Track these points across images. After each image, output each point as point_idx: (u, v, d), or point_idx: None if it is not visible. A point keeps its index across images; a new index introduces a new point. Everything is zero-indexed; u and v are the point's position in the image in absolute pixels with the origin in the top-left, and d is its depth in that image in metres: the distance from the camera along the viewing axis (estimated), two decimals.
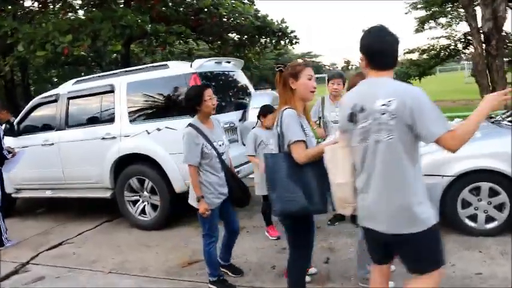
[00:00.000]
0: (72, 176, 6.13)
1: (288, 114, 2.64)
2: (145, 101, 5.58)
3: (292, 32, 12.40)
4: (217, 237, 3.83)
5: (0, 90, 15.34)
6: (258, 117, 4.63)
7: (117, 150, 5.58)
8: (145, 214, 5.64)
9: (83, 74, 18.13)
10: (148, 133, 5.36)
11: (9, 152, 5.79)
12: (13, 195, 6.73)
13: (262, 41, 13.05)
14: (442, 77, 41.90)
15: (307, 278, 3.58)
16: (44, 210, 7.35)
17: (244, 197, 3.87)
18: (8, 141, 6.40)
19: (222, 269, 3.98)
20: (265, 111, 4.54)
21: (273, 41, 12.29)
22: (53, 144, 6.18)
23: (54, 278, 4.56)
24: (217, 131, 3.76)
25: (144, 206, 5.65)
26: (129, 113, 5.56)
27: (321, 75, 51.60)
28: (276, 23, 12.05)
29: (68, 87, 6.38)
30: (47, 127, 6.44)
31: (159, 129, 5.29)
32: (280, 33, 12.20)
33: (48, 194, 6.46)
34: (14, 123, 6.64)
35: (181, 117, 5.20)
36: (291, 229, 2.89)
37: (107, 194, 5.86)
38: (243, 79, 6.38)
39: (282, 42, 12.62)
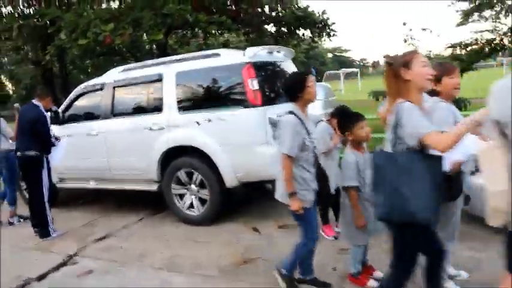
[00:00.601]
0: (118, 166, 5.98)
1: (407, 108, 2.34)
2: (195, 90, 5.37)
3: (333, 23, 12.02)
4: (316, 241, 3.48)
5: (38, 80, 15.44)
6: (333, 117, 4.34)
7: (166, 141, 5.39)
8: (193, 208, 5.44)
9: (115, 64, 18.12)
10: (199, 124, 5.14)
11: (56, 139, 5.68)
12: (57, 185, 6.61)
13: (300, 33, 12.68)
14: (480, 73, 40.64)
15: None
16: (86, 201, 7.24)
17: (330, 195, 3.68)
18: (56, 129, 6.31)
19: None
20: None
21: (315, 32, 11.90)
22: (98, 133, 6.04)
23: (104, 272, 4.40)
24: (310, 122, 3.44)
25: (192, 200, 5.44)
26: (178, 103, 5.35)
27: (352, 69, 51.25)
28: (317, 14, 11.69)
29: (114, 75, 6.21)
30: (91, 116, 6.30)
31: (209, 120, 5.06)
32: (321, 25, 11.83)
33: (92, 184, 6.34)
34: (59, 111, 6.52)
35: (233, 108, 4.99)
36: (404, 239, 2.57)
37: (153, 187, 5.69)
38: (293, 69, 6.10)
39: (324, 35, 12.20)
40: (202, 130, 5.12)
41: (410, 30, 13.48)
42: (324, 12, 11.81)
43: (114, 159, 5.98)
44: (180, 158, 5.38)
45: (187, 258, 4.50)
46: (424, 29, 13.65)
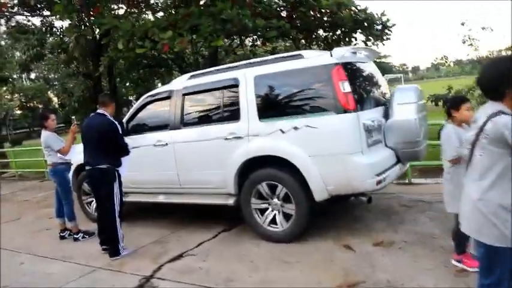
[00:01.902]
0: (189, 180, 5.58)
1: None
2: (277, 96, 4.91)
3: (393, 25, 11.36)
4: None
5: (90, 93, 15.45)
6: (449, 111, 3.76)
7: (245, 151, 4.95)
8: (276, 224, 4.95)
9: (159, 77, 18.02)
10: (283, 132, 4.67)
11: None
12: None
13: (356, 36, 12.06)
14: None
15: None
16: (153, 215, 6.87)
17: None
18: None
19: None
20: (458, 102, 3.69)
21: (373, 35, 11.27)
22: (166, 144, 5.67)
23: None
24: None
25: (275, 215, 4.96)
26: (258, 109, 4.91)
27: (392, 75, 50.09)
28: (377, 16, 11.07)
29: (182, 82, 5.84)
30: (159, 126, 5.95)
31: (296, 128, 4.59)
32: (381, 28, 11.20)
33: (161, 199, 5.96)
34: (123, 121, 6.21)
35: (322, 113, 4.50)
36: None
37: (230, 201, 5.24)
38: (376, 71, 5.58)
39: (385, 38, 11.55)
40: (288, 139, 4.65)
41: (470, 30, 12.65)
42: (383, 14, 11.20)
43: (185, 172, 5.58)
44: (261, 170, 4.93)
45: (282, 282, 4.01)
46: (483, 28, 12.91)
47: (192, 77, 5.84)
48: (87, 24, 10.19)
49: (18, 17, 15.13)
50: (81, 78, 15.72)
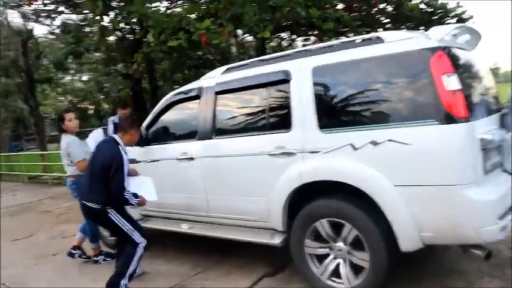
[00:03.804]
0: (221, 207, 4.21)
1: None
2: (346, 96, 3.41)
3: (470, 18, 9.66)
4: None
5: (128, 94, 14.48)
6: None
7: (298, 174, 3.50)
8: (340, 278, 3.47)
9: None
10: (355, 148, 3.19)
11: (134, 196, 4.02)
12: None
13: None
14: None
15: None
16: (179, 244, 5.51)
17: None
18: (133, 153, 4.71)
19: None
20: None
21: None
22: (192, 158, 4.31)
23: None
24: None
25: (338, 266, 3.48)
26: (319, 114, 3.45)
27: None
28: (450, 7, 9.42)
29: (215, 77, 4.47)
30: (184, 135, 4.63)
31: (375, 143, 3.10)
32: (455, 22, 9.56)
33: (184, 228, 4.60)
34: (141, 128, 4.92)
35: (416, 123, 2.99)
36: None
37: (275, 240, 3.80)
38: (481, 65, 3.97)
39: None
40: (362, 158, 3.17)
41: None
42: (458, 5, 9.50)
43: (215, 197, 4.21)
44: (320, 200, 3.47)
45: None
46: None
47: (228, 70, 4.46)
48: (118, 14, 9.00)
49: (63, 16, 14.43)
50: (119, 78, 14.72)
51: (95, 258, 5.11)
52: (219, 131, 4.20)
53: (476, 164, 2.89)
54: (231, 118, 4.21)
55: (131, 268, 3.99)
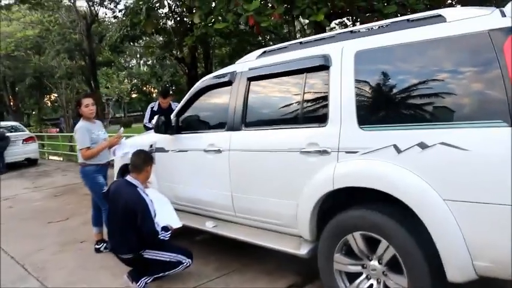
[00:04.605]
0: (247, 207, 3.77)
1: None
2: (393, 87, 2.84)
3: None
4: None
5: (181, 79, 14.33)
6: None
7: (330, 176, 2.98)
8: None
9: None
10: (399, 151, 2.63)
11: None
12: None
13: None
14: None
15: None
16: (202, 240, 5.15)
17: None
18: (161, 141, 4.39)
19: None
20: None
21: None
22: (220, 151, 3.89)
23: None
24: None
25: (371, 287, 2.94)
26: (360, 108, 2.91)
27: None
28: None
29: (249, 61, 4.01)
30: (214, 125, 4.22)
31: (424, 146, 2.52)
32: None
33: (208, 226, 4.21)
34: (172, 116, 4.57)
35: (477, 124, 2.38)
36: None
37: (302, 250, 3.31)
38: None
39: None
40: (407, 163, 2.60)
41: None
42: None
43: (242, 195, 3.78)
44: (354, 210, 2.93)
45: None
46: None
47: (264, 53, 3.98)
48: None
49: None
50: (174, 62, 14.59)
51: (96, 246, 4.91)
52: (249, 122, 3.75)
53: None
54: (263, 108, 3.76)
55: (161, 275, 3.83)
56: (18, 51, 23.39)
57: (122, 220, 3.68)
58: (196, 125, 4.45)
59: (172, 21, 13.58)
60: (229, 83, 4.00)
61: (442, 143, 2.45)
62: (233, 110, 3.86)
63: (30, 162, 14.56)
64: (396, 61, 2.83)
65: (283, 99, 3.60)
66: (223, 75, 4.12)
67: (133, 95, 40.73)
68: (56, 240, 5.70)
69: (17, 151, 13.95)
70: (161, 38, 15.60)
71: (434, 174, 2.48)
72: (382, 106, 2.87)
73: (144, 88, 36.25)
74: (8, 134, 13.67)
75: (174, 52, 14.13)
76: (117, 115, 50.57)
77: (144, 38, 14.97)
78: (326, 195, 3.04)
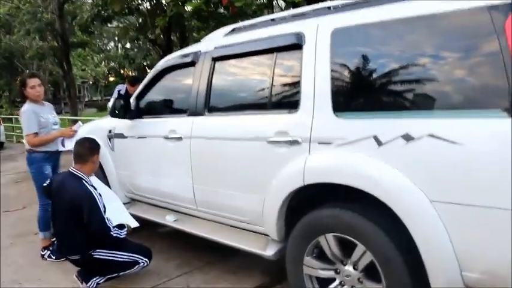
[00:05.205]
0: (210, 200, 3.40)
1: None
2: (373, 70, 2.47)
3: None
4: None
5: (155, 62, 13.76)
6: None
7: (301, 170, 2.61)
8: None
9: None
10: (380, 143, 2.27)
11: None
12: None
13: None
14: None
15: None
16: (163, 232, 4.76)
17: None
18: (120, 126, 3.98)
19: None
20: None
21: None
22: (181, 138, 3.49)
23: None
24: None
25: None
26: (335, 93, 2.53)
27: None
28: None
29: (216, 39, 3.59)
30: (175, 109, 3.83)
31: (409, 138, 2.17)
32: None
33: (169, 220, 3.83)
34: (131, 99, 4.14)
35: (472, 113, 2.04)
36: None
37: (268, 251, 2.96)
38: None
39: None
40: (389, 158, 2.25)
41: None
42: None
43: (204, 187, 3.40)
44: (327, 209, 2.58)
45: None
46: None
47: (234, 30, 3.57)
48: None
49: None
50: (148, 45, 14.03)
51: (41, 252, 4.33)
52: (212, 107, 3.36)
53: None
54: (228, 91, 3.37)
55: (114, 275, 3.47)
56: None
57: (67, 217, 3.26)
58: (158, 109, 4.04)
59: (148, 3, 13.04)
60: (192, 64, 3.59)
61: (431, 135, 2.10)
62: (196, 93, 3.45)
63: None
64: (379, 40, 2.45)
65: (250, 82, 3.21)
66: (186, 55, 3.70)
67: (111, 79, 39.77)
68: (9, 232, 5.24)
69: None
70: (136, 20, 15.01)
71: (421, 172, 2.14)
72: (361, 91, 2.50)
73: (122, 71, 35.38)
74: None
75: (149, 35, 13.57)
76: (94, 98, 49.45)
77: (117, 19, 14.38)
78: (295, 191, 2.67)
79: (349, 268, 2.55)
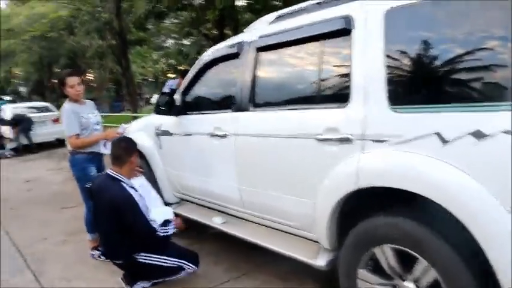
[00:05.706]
0: (256, 203, 3.18)
1: None
2: (437, 56, 2.12)
3: None
4: None
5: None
6: None
7: (354, 171, 2.32)
8: None
9: None
10: (445, 141, 1.94)
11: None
12: (173, 210, 3.95)
13: None
14: None
15: None
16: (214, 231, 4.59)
17: None
18: (167, 123, 3.85)
19: None
20: None
21: None
22: (226, 135, 3.28)
23: None
24: None
25: None
26: (391, 83, 2.22)
27: None
28: None
29: (260, 28, 3.34)
30: (220, 105, 3.60)
31: (480, 135, 1.83)
32: None
33: (216, 223, 3.64)
34: (175, 95, 3.98)
35: None
36: None
37: (319, 261, 2.69)
38: None
39: None
40: (455, 158, 1.92)
41: None
42: None
43: (250, 188, 3.18)
44: (384, 216, 2.27)
45: None
46: None
47: (279, 18, 3.30)
48: None
49: None
50: (202, 39, 14.02)
51: (91, 252, 4.25)
52: (258, 102, 3.12)
53: None
54: (274, 84, 3.11)
55: (160, 280, 3.35)
56: (52, 32, 23.37)
57: (108, 220, 3.14)
58: (202, 104, 3.84)
59: None
60: (236, 56, 3.36)
61: (506, 132, 1.75)
62: (240, 88, 3.23)
63: (60, 143, 14.49)
64: (441, 22, 2.11)
65: (297, 73, 2.92)
66: (229, 46, 3.48)
67: (169, 75, 40.43)
68: (63, 228, 5.31)
69: (46, 131, 13.89)
70: (189, 15, 15.03)
71: (495, 176, 1.79)
72: (421, 80, 2.17)
73: (180, 67, 35.85)
74: (30, 115, 13.52)
75: (202, 29, 13.54)
76: (155, 95, 50.47)
77: (171, 15, 14.44)
78: (348, 195, 2.38)
79: (409, 285, 2.23)
